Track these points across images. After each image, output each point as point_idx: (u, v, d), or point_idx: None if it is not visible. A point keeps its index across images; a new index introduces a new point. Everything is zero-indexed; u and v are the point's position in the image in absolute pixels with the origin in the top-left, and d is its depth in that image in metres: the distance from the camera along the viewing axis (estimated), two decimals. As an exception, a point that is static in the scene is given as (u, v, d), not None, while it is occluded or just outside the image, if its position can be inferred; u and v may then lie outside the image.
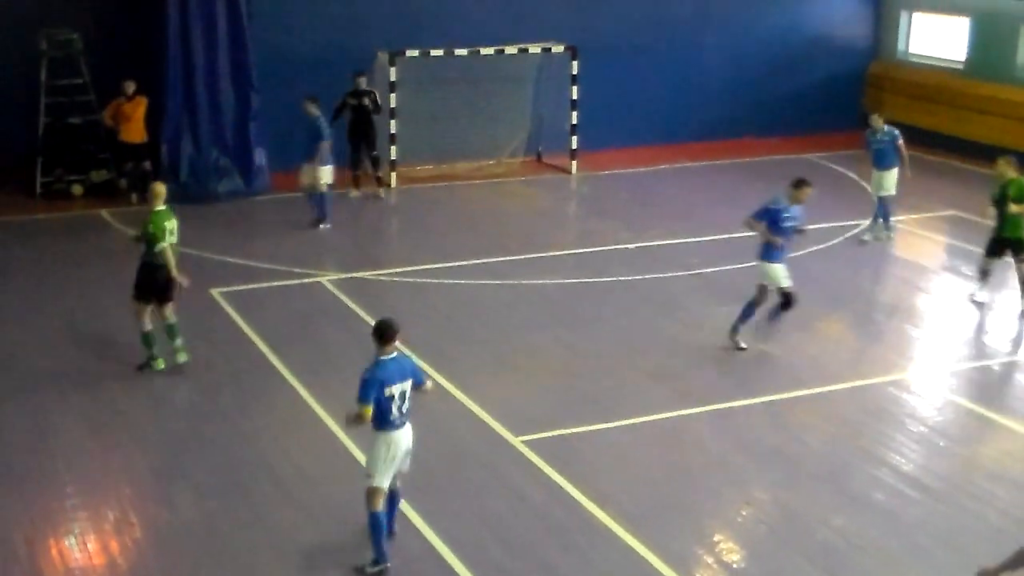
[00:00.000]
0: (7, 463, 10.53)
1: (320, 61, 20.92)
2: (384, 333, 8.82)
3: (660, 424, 11.45)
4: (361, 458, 10.57)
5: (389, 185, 20.23)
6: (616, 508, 9.71)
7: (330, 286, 15.26)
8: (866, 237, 17.59)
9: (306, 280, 15.50)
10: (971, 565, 9.11)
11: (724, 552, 9.21)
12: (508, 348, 13.41)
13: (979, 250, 15.13)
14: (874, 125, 17.52)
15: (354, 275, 15.71)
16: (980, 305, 14.74)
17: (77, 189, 19.66)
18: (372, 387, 8.63)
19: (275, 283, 15.36)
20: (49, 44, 19.46)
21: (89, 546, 9.25)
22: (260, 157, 19.97)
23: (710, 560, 9.07)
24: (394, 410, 8.77)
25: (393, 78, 20.14)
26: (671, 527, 9.57)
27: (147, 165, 19.28)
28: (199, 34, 19.35)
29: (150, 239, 12.01)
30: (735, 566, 9.04)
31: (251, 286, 15.17)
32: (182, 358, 12.38)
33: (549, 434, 11.07)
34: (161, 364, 12.35)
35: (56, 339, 13.44)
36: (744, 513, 9.86)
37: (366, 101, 19.31)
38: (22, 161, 19.45)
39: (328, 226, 17.89)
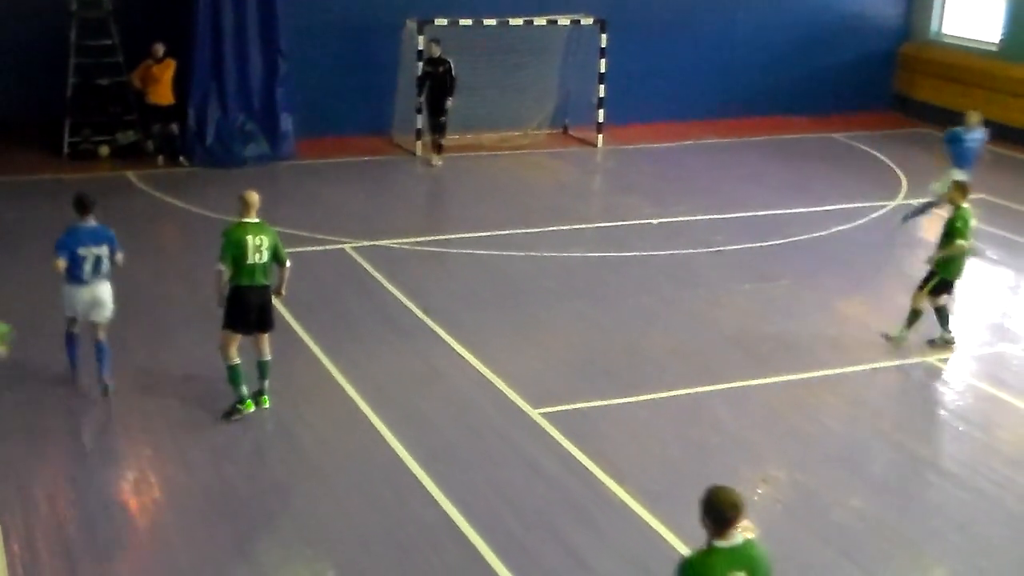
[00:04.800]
0: (29, 420, 10.63)
1: (348, 27, 20.95)
2: (81, 204, 10.71)
3: (678, 400, 11.45)
4: (379, 423, 10.65)
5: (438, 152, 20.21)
6: (632, 483, 9.72)
7: (353, 253, 15.29)
8: None
9: (329, 247, 15.53)
10: (987, 550, 9.11)
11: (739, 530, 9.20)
12: (529, 320, 13.42)
13: (1008, 234, 15.00)
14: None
15: (377, 243, 15.73)
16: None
17: (104, 150, 19.75)
18: (64, 246, 10.54)
19: (298, 249, 15.33)
20: (79, 4, 19.52)
21: (109, 506, 9.33)
22: (286, 123, 20.01)
23: (725, 538, 9.06)
24: (86, 268, 10.55)
25: (421, 47, 20.08)
26: (687, 503, 9.48)
27: (174, 128, 19.37)
28: (228, -2, 19.39)
29: (222, 260, 10.39)
30: (749, 544, 9.03)
31: (274, 251, 15.20)
32: (265, 403, 10.83)
33: (567, 407, 11.09)
34: (251, 407, 10.67)
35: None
36: (760, 492, 9.86)
37: (441, 70, 19.49)
38: (50, 121, 19.55)
39: None
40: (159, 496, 9.49)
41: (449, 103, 19.64)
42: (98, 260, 10.76)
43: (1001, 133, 22.46)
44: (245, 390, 10.61)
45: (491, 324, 13.26)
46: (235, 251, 10.29)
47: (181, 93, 19.34)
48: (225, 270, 10.37)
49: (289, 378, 11.71)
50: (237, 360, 10.55)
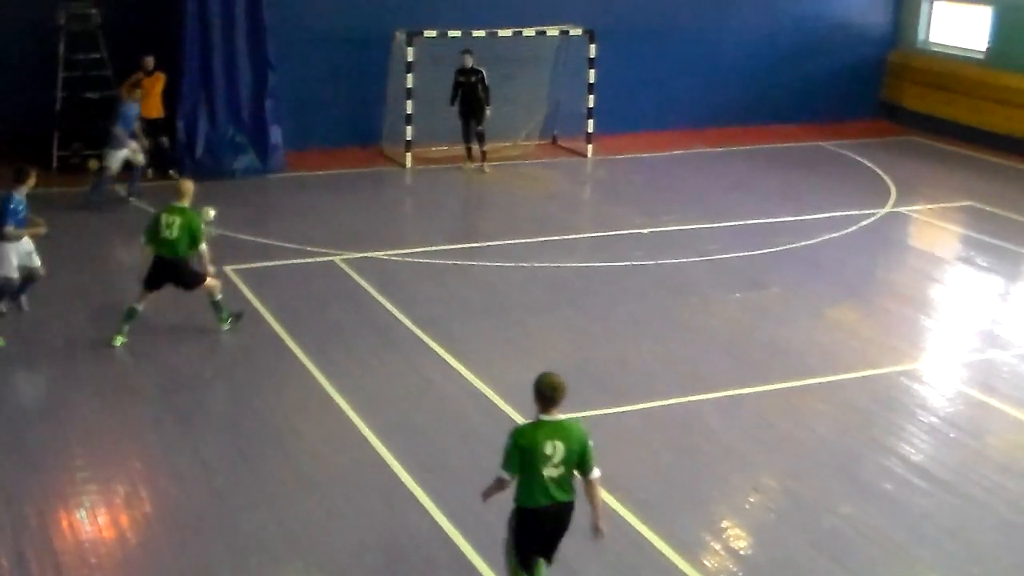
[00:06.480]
0: (20, 435, 10.59)
1: (337, 40, 20.97)
2: (16, 173, 12.67)
3: (670, 409, 11.45)
4: (370, 434, 10.65)
5: (484, 160, 20.60)
6: (624, 493, 9.71)
7: (344, 266, 15.28)
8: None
9: (320, 259, 15.53)
10: (979, 557, 9.13)
11: (731, 538, 9.22)
12: (520, 330, 13.42)
13: (996, 241, 15.04)
14: None
15: (368, 255, 15.73)
16: None
17: (93, 163, 19.69)
18: None
19: (289, 261, 15.39)
20: (68, 18, 19.50)
21: (99, 520, 9.30)
22: (276, 135, 20.00)
23: (717, 546, 9.08)
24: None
25: (411, 58, 20.12)
26: (679, 512, 9.58)
27: (164, 141, 19.34)
28: (216, 11, 19.38)
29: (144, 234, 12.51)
30: (742, 552, 9.05)
31: (265, 264, 15.21)
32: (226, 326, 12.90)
33: (559, 418, 11.04)
34: (119, 341, 12.43)
35: (69, 312, 13.48)
36: (752, 500, 9.86)
37: (473, 80, 20.01)
38: (39, 134, 19.52)
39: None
40: (150, 510, 9.46)
41: (488, 112, 20.22)
42: None
43: (988, 140, 22.62)
44: (126, 328, 12.44)
45: (482, 335, 13.26)
46: (153, 226, 12.27)
47: (170, 106, 19.33)
48: (145, 245, 12.40)
49: (280, 389, 11.71)
50: (139, 306, 12.49)
